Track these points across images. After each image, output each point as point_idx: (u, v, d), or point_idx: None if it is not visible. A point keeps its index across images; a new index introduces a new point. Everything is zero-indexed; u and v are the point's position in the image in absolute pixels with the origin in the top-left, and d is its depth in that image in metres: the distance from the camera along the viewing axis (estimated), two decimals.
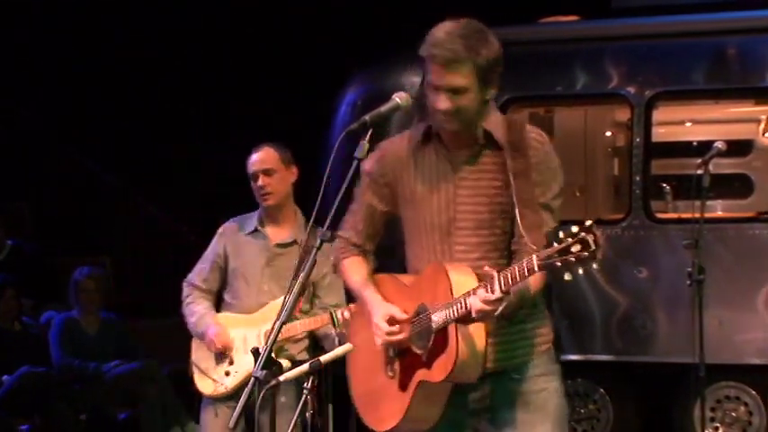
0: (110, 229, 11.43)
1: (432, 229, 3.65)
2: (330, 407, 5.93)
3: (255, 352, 4.04)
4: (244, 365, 5.21)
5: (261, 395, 3.57)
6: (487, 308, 3.37)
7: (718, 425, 7.51)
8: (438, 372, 3.53)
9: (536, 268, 3.24)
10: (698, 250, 6.18)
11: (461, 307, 3.43)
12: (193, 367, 5.43)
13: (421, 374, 3.59)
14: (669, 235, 7.58)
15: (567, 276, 3.20)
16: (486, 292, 3.37)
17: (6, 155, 11.36)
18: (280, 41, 11.74)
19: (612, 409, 7.79)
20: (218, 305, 5.48)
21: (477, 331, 3.50)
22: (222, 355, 5.33)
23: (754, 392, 7.53)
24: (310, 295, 5.29)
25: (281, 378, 3.68)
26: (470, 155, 3.62)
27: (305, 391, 3.92)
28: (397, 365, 3.68)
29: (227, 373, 5.30)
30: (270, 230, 5.38)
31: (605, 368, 7.80)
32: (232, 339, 5.29)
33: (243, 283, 5.36)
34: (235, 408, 5.18)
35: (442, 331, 3.51)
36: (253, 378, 3.51)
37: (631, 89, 7.84)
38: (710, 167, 6.29)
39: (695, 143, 8.43)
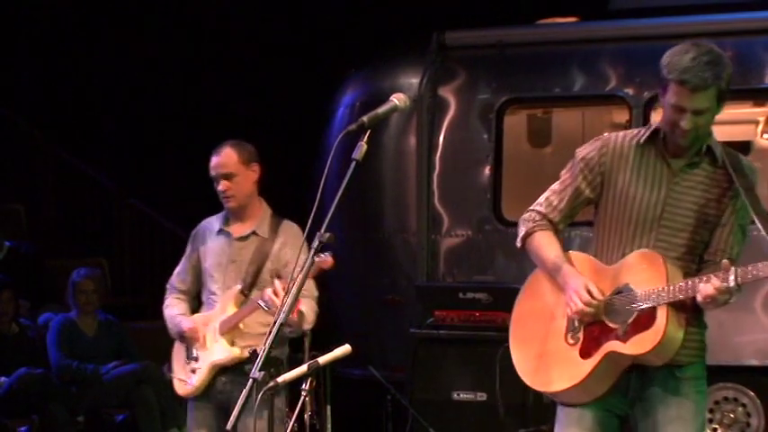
0: (108, 231, 11.41)
1: (635, 224, 3.90)
2: (329, 408, 5.92)
3: (254, 354, 4.04)
4: (206, 360, 5.28)
5: (259, 396, 3.57)
6: (719, 296, 3.67)
7: (716, 426, 7.51)
8: (637, 346, 3.77)
9: None
10: None
11: (680, 292, 3.71)
12: (172, 371, 5.48)
13: (612, 346, 3.80)
14: None
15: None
16: (721, 282, 3.66)
17: (3, 156, 11.34)
18: (280, 41, 11.73)
19: None
20: (198, 307, 5.51)
21: (681, 320, 3.79)
22: (191, 354, 5.37)
23: (752, 394, 7.52)
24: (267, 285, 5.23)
25: (280, 380, 3.68)
26: (689, 164, 3.89)
27: (302, 392, 3.92)
28: (581, 334, 3.88)
29: (194, 371, 5.35)
30: (234, 227, 5.40)
31: None
32: (201, 333, 5.33)
33: (212, 283, 5.38)
34: (206, 407, 5.23)
35: (649, 311, 3.75)
36: (251, 379, 3.51)
37: (629, 90, 7.83)
38: None
39: None
